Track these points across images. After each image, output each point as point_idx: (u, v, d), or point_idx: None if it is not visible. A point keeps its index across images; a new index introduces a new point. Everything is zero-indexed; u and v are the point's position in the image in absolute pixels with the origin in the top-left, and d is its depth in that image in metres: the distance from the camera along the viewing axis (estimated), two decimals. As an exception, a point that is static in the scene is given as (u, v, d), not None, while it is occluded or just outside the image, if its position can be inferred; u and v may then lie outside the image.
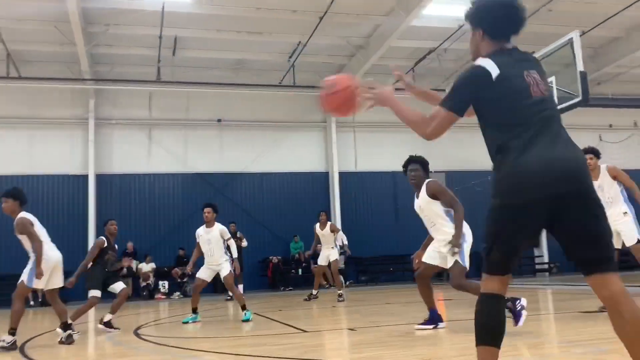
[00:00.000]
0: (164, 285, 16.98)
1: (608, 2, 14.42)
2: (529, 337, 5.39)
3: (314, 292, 12.10)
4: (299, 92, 18.41)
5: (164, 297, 16.63)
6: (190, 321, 8.54)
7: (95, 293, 8.09)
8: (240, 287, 14.30)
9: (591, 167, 7.09)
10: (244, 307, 8.40)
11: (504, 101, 2.63)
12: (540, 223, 2.58)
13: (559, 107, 10.39)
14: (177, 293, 16.83)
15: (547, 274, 19.86)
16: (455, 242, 5.81)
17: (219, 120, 18.86)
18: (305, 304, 11.38)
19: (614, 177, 7.06)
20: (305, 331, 6.86)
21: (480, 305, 2.66)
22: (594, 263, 2.53)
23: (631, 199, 7.09)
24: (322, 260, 11.99)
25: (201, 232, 8.88)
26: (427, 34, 15.40)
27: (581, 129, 20.08)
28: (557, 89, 10.36)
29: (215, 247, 8.67)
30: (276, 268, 18.09)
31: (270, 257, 18.15)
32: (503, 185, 2.59)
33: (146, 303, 15.35)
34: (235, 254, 8.87)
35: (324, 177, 19.60)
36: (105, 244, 8.25)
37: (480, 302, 2.67)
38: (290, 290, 17.20)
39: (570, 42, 10.04)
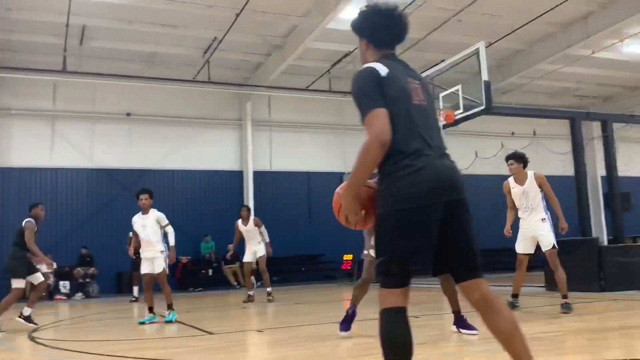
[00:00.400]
0: (64, 285, 16.18)
1: (513, 15, 15.15)
2: (429, 335, 5.55)
3: (250, 293, 11.20)
4: (213, 89, 18.11)
5: (64, 298, 15.85)
6: (147, 322, 8.07)
7: (20, 284, 7.68)
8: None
9: (512, 171, 7.38)
10: (170, 306, 8.12)
11: (393, 101, 2.64)
12: (433, 229, 2.59)
13: (464, 114, 10.87)
14: (79, 294, 16.09)
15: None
16: None
17: (128, 114, 18.21)
18: (213, 306, 11.17)
19: (539, 185, 7.27)
20: (211, 333, 6.73)
21: (384, 322, 2.56)
22: (469, 270, 2.68)
23: (549, 206, 7.38)
24: (248, 257, 11.43)
25: (136, 218, 8.45)
26: (344, 37, 15.54)
27: (485, 135, 21.10)
28: (463, 97, 10.78)
29: (151, 232, 8.26)
30: (185, 268, 17.69)
31: (180, 257, 17.67)
32: (387, 193, 2.58)
33: (45, 304, 14.54)
34: (172, 242, 8.39)
35: (238, 175, 19.39)
36: (36, 229, 7.86)
37: (385, 317, 2.57)
38: (200, 291, 16.88)
39: (476, 53, 10.46)
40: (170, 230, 8.39)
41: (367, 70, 2.71)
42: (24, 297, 8.40)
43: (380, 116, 2.58)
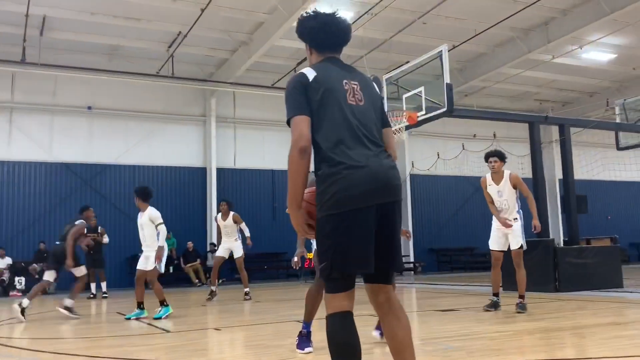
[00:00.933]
0: (20, 281, 15.79)
1: (476, 20, 15.40)
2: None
3: (213, 288, 10.91)
4: (177, 84, 17.90)
5: (20, 294, 15.44)
6: (133, 317, 8.10)
7: (82, 272, 9.17)
8: (103, 284, 13.62)
9: (495, 169, 7.43)
10: (162, 303, 8.17)
11: (321, 105, 2.70)
12: (371, 230, 2.60)
13: (427, 115, 10.99)
14: (35, 290, 15.70)
15: (412, 272, 20.86)
16: None
17: (89, 108, 17.85)
18: (173, 304, 10.99)
19: (514, 186, 7.36)
20: (168, 331, 6.67)
21: (330, 326, 2.57)
22: (385, 274, 2.71)
23: (525, 207, 7.49)
24: (222, 252, 11.13)
25: (138, 216, 8.71)
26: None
27: (448, 137, 21.43)
28: (425, 98, 10.89)
29: (146, 231, 8.45)
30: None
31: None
32: (325, 197, 2.60)
33: (-1, 301, 14.17)
34: (161, 241, 8.42)
35: (201, 172, 19.21)
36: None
37: (331, 322, 2.58)
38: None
39: (439, 55, 10.59)
40: (161, 229, 8.45)
41: (295, 76, 2.77)
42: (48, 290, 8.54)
43: (299, 123, 2.64)
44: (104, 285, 13.61)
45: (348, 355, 2.52)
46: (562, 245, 16.42)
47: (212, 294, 10.91)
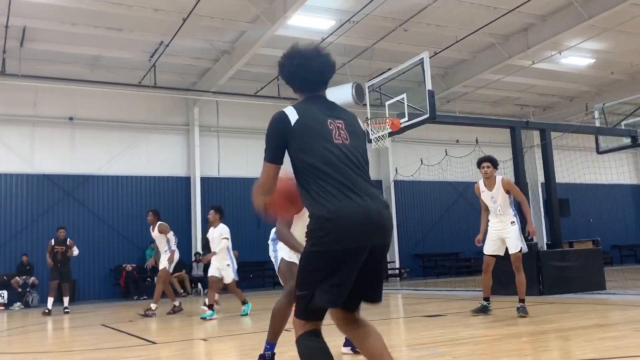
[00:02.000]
0: (2, 294, 15.57)
1: (457, 26, 15.55)
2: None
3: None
4: (160, 93, 17.83)
5: (2, 308, 15.25)
6: (208, 317, 9.01)
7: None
8: (66, 300, 12.79)
9: (487, 174, 7.46)
10: (211, 307, 9.17)
11: (306, 145, 2.71)
12: (353, 270, 2.63)
13: (409, 122, 11.05)
14: (18, 304, 15.51)
15: (398, 278, 20.91)
16: None
17: (71, 119, 17.71)
18: (158, 314, 10.92)
19: (507, 191, 7.39)
20: (154, 343, 6.62)
21: (302, 347, 2.63)
22: (367, 299, 2.79)
23: (519, 210, 7.53)
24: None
25: (210, 231, 9.75)
26: (293, 44, 15.61)
27: (431, 143, 21.57)
28: (408, 105, 10.96)
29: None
30: (130, 276, 17.30)
31: (124, 265, 17.35)
32: (318, 233, 2.61)
33: (-20, 315, 13.97)
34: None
35: (185, 182, 19.12)
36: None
37: (301, 343, 2.64)
38: (145, 299, 16.51)
39: (421, 62, 10.67)
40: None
41: (276, 116, 2.79)
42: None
43: (269, 172, 2.77)
44: (66, 300, 12.82)
45: None
46: (545, 248, 16.57)
47: (175, 308, 10.60)
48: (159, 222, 10.68)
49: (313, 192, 2.65)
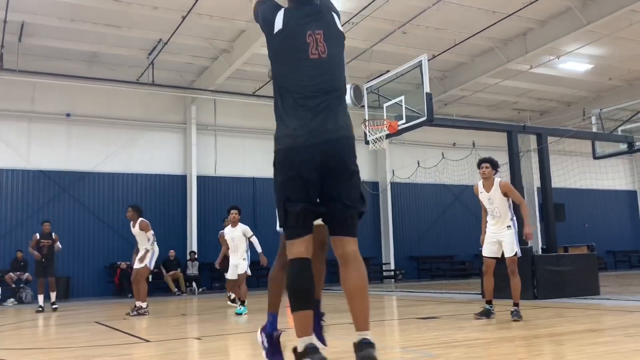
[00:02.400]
0: (-5, 290, 15.55)
1: (456, 30, 15.59)
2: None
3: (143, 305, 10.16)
4: (157, 91, 17.82)
5: (-4, 303, 15.22)
6: (243, 312, 9.32)
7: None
8: (53, 295, 12.41)
9: (485, 175, 7.44)
10: (243, 303, 9.44)
11: (280, 57, 2.89)
12: (312, 183, 2.84)
13: (407, 124, 11.07)
14: (11, 300, 15.48)
15: (393, 280, 20.92)
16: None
17: (68, 115, 17.69)
18: (152, 312, 10.90)
19: (505, 194, 7.33)
20: (148, 341, 6.61)
21: (290, 271, 2.88)
22: (339, 226, 2.93)
23: (518, 213, 7.49)
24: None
25: (227, 230, 10.00)
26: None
27: (428, 146, 21.59)
28: (406, 107, 10.98)
29: (239, 244, 9.79)
30: (124, 274, 17.25)
31: (119, 263, 17.30)
32: (276, 150, 2.89)
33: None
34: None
35: (181, 180, 19.11)
36: None
37: (290, 267, 2.88)
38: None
39: (419, 65, 10.68)
40: (254, 240, 9.98)
41: (267, 12, 2.96)
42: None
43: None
44: (53, 295, 12.44)
45: (303, 298, 2.82)
46: (540, 253, 16.60)
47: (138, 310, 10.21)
48: (140, 219, 10.55)
49: (279, 102, 2.87)
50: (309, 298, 2.84)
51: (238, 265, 9.86)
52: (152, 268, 10.60)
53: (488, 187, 7.45)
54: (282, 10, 2.93)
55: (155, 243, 10.58)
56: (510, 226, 7.33)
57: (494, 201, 7.40)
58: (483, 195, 7.51)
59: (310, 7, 2.96)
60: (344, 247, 2.91)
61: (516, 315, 7.05)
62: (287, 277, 2.87)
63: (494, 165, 7.52)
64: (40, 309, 12.04)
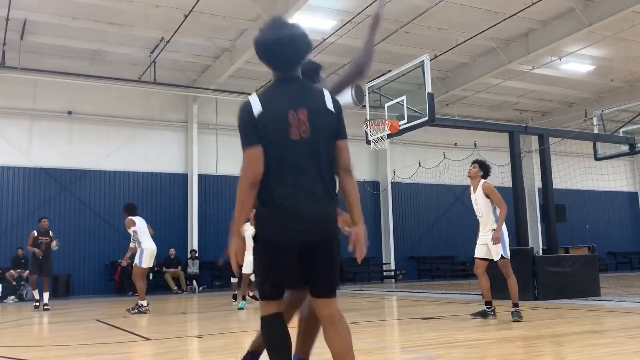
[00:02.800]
0: (-4, 288, 15.54)
1: (458, 30, 15.56)
2: (368, 342, 5.61)
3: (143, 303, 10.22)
4: (159, 90, 17.81)
5: (-4, 301, 15.22)
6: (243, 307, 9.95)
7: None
8: (46, 295, 11.91)
9: (470, 174, 7.55)
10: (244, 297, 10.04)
11: (264, 140, 2.75)
12: (292, 260, 2.79)
13: (408, 124, 11.05)
14: (12, 297, 15.47)
15: (393, 280, 20.91)
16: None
17: (70, 113, 17.68)
18: (152, 310, 10.89)
19: (487, 196, 7.36)
20: (148, 339, 6.61)
21: (264, 328, 2.88)
22: (322, 290, 2.84)
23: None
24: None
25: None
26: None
27: (429, 146, 21.57)
28: (407, 107, 10.97)
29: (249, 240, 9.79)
30: (125, 272, 17.22)
31: (119, 260, 17.26)
32: (259, 223, 2.81)
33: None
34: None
35: (183, 178, 19.11)
36: None
37: (263, 325, 2.88)
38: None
39: (421, 65, 10.67)
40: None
41: (242, 107, 2.83)
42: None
43: (250, 156, 2.74)
44: (46, 296, 11.96)
45: (281, 352, 2.80)
46: (541, 254, 16.59)
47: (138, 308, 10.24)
48: (127, 218, 10.61)
49: (264, 183, 2.75)
50: (283, 352, 2.82)
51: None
52: (143, 266, 10.27)
53: (474, 188, 7.56)
54: None
55: (147, 241, 10.36)
56: (494, 229, 7.31)
57: (477, 202, 7.49)
58: (471, 196, 7.60)
59: (297, 85, 2.97)
60: (329, 308, 2.82)
61: (516, 316, 7.04)
62: (262, 333, 2.91)
63: (483, 168, 7.56)
64: (38, 305, 11.89)
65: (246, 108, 2.79)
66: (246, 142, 2.76)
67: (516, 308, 7.13)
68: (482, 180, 7.51)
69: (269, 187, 2.73)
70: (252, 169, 2.73)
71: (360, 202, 2.92)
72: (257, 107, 2.76)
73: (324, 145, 2.79)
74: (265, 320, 2.87)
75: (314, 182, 2.74)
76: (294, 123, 2.74)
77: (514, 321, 6.94)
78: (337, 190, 2.88)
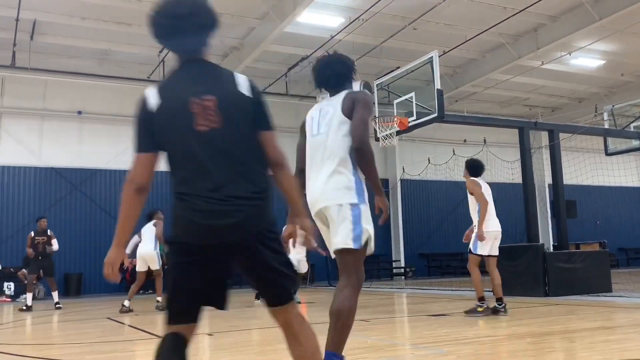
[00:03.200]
0: (9, 287, 15.67)
1: (467, 26, 15.49)
2: (379, 339, 5.61)
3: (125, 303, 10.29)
4: (168, 89, 17.84)
5: (9, 300, 15.35)
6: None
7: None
8: (55, 294, 12.09)
9: (463, 176, 7.85)
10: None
11: (165, 135, 2.40)
12: (198, 272, 2.43)
13: (417, 121, 11.03)
14: (24, 296, 15.58)
15: (403, 277, 20.89)
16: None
17: (79, 112, 17.79)
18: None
19: (470, 192, 7.57)
20: (159, 337, 6.64)
21: (160, 346, 2.47)
22: (273, 299, 2.57)
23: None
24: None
25: None
26: (301, 42, 15.61)
27: (438, 142, 21.52)
28: (416, 104, 10.95)
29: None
30: (136, 270, 17.32)
31: (132, 260, 17.35)
32: (168, 230, 2.48)
33: (-13, 306, 14.07)
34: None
35: (192, 177, 19.15)
36: None
37: (161, 342, 2.47)
38: (151, 293, 16.60)
39: (430, 61, 10.65)
40: None
41: (139, 101, 2.46)
42: None
43: (136, 162, 2.46)
44: (55, 295, 11.98)
45: None
46: (551, 250, 16.51)
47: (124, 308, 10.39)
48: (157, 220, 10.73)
49: (172, 179, 2.45)
50: None
51: (300, 262, 10.17)
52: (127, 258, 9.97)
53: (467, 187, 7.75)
54: None
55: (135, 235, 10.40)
56: (475, 225, 7.49)
57: (469, 199, 7.66)
58: None
59: (202, 69, 2.60)
60: (283, 315, 2.57)
61: (473, 312, 7.22)
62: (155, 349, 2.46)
63: (469, 167, 7.77)
64: (26, 307, 11.54)
65: (141, 104, 2.43)
66: (136, 146, 2.45)
67: (499, 302, 7.24)
68: (470, 178, 7.69)
69: (176, 183, 2.42)
70: (140, 174, 2.47)
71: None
72: (153, 100, 2.39)
73: (242, 136, 2.43)
74: (163, 339, 2.48)
75: (227, 178, 2.36)
76: (199, 112, 2.35)
77: (466, 314, 7.21)
78: (267, 185, 2.49)
